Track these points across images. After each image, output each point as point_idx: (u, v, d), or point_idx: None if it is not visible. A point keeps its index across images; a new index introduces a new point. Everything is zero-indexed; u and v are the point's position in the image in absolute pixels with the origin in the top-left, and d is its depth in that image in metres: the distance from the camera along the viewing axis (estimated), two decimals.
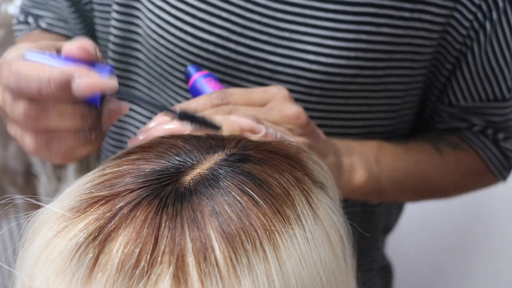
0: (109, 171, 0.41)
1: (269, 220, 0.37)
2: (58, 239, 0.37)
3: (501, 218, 1.22)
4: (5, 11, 1.17)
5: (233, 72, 0.59)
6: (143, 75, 0.66)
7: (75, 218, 0.37)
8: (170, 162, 0.41)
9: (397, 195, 0.67)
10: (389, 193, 0.64)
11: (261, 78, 0.58)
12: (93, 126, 0.46)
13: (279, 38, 0.57)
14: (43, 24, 0.75)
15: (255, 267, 0.35)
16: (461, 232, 1.27)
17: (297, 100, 0.58)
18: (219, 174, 0.39)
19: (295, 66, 0.58)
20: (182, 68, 0.60)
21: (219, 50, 0.58)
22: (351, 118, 0.63)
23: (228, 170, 0.40)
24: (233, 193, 0.38)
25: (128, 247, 0.35)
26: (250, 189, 0.38)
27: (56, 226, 0.37)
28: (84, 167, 1.24)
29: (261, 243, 0.36)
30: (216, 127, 0.46)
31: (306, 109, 0.58)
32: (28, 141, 0.45)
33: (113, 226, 0.36)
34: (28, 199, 0.42)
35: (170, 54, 0.61)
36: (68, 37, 0.74)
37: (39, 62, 0.44)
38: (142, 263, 0.34)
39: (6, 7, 1.17)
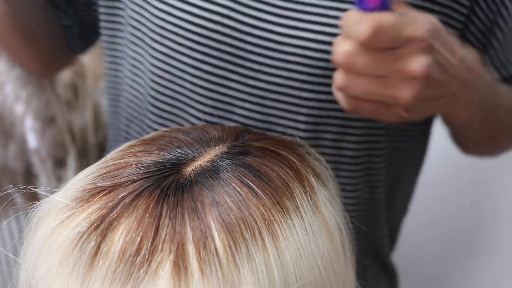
0: (112, 163, 0.42)
1: (268, 210, 0.38)
2: (61, 228, 0.37)
3: (507, 218, 1.22)
4: None
5: (239, 44, 0.59)
6: (147, 59, 0.66)
7: (78, 208, 0.38)
8: (171, 154, 0.41)
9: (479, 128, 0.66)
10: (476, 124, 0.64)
11: (267, 50, 0.58)
12: None
13: (284, 9, 0.57)
14: None
15: (254, 256, 0.36)
16: (466, 233, 1.27)
17: (302, 73, 0.58)
18: (220, 166, 0.40)
19: (300, 36, 0.57)
20: (189, 44, 0.61)
21: (225, 21, 0.58)
22: None
23: (229, 162, 0.41)
24: (233, 184, 0.39)
25: (130, 235, 0.35)
26: (250, 181, 0.39)
27: (59, 216, 0.38)
28: (84, 167, 1.25)
29: (260, 233, 0.37)
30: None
31: (311, 83, 0.58)
32: None
33: (115, 215, 0.37)
34: (30, 190, 0.43)
35: (176, 30, 0.61)
36: None
37: None
38: (143, 251, 0.35)
39: None
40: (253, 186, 0.39)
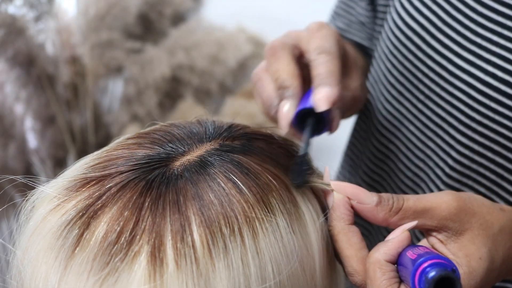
0: (105, 154, 0.43)
1: (251, 207, 0.38)
2: (50, 216, 0.38)
3: None
4: (5, 11, 1.18)
5: (418, 64, 0.58)
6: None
7: (67, 197, 0.39)
8: (162, 148, 0.42)
9: None
10: None
11: (439, 77, 0.57)
12: None
13: (470, 42, 0.55)
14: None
15: (231, 252, 0.36)
16: None
17: (462, 113, 0.55)
18: (208, 161, 0.41)
19: (471, 72, 0.54)
20: (399, 68, 0.60)
21: (415, 38, 0.58)
22: None
23: (218, 158, 0.41)
24: (218, 180, 0.39)
25: (111, 224, 0.36)
26: (236, 177, 0.39)
27: (50, 205, 0.39)
28: None
29: (240, 229, 0.37)
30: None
31: (467, 126, 0.55)
32: None
33: (100, 204, 0.37)
34: (28, 180, 0.43)
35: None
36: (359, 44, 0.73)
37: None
38: (122, 240, 0.36)
39: (6, 7, 1.18)
40: (238, 182, 0.39)
